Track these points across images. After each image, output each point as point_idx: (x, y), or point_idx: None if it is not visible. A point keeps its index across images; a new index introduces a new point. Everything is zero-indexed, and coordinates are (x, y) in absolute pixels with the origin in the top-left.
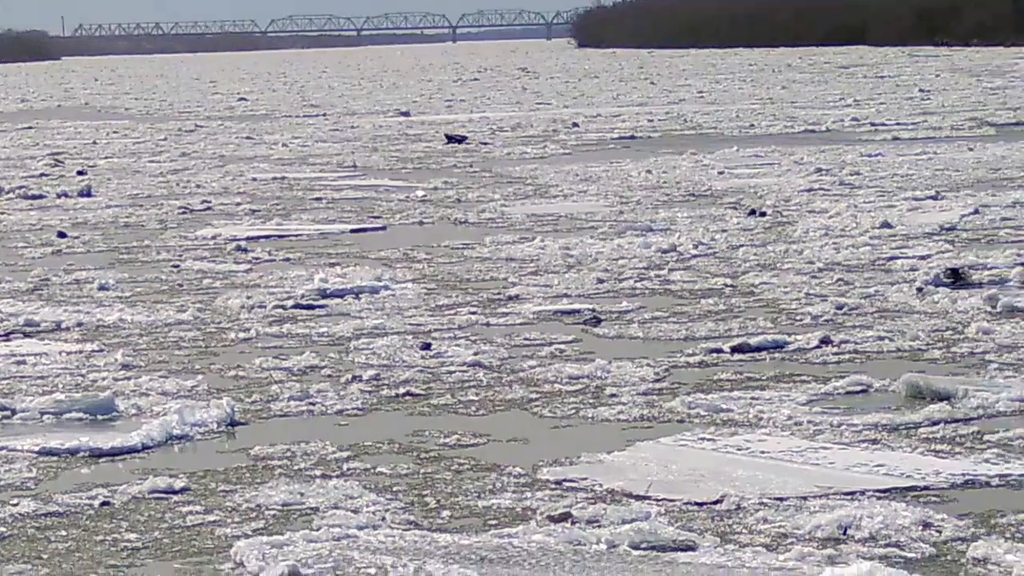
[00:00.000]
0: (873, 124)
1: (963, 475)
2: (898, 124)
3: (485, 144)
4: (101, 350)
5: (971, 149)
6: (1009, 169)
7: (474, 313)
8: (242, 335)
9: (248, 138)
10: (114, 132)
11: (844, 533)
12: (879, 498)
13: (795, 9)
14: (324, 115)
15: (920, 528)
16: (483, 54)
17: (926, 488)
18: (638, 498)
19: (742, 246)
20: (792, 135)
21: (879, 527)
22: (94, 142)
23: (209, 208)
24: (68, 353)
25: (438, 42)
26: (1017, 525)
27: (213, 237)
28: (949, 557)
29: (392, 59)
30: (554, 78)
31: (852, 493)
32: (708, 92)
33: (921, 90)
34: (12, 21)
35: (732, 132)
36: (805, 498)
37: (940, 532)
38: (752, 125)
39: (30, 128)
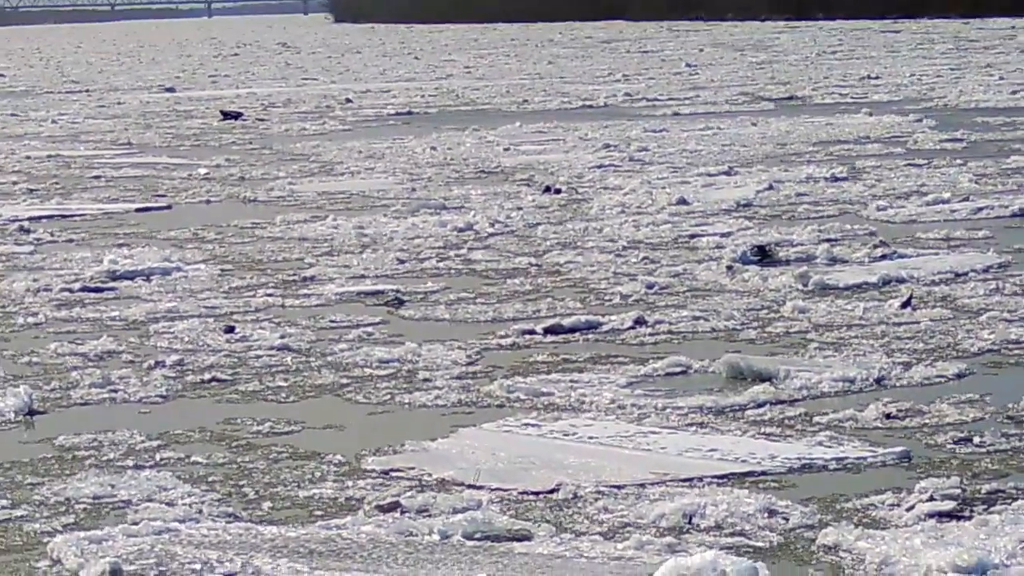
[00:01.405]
0: (647, 99)
1: (799, 459)
2: (671, 99)
3: (261, 120)
4: None
5: (754, 124)
6: (796, 144)
7: (272, 295)
8: (31, 319)
9: (13, 115)
10: None
11: (689, 522)
12: (719, 485)
13: None
14: (87, 91)
15: (766, 516)
16: (240, 29)
17: (764, 473)
18: (469, 487)
19: (540, 224)
20: (570, 111)
21: (724, 515)
22: None
23: None
24: None
25: (193, 17)
26: (863, 510)
27: None
28: (799, 545)
29: (148, 34)
30: (316, 53)
31: (690, 480)
32: (474, 67)
33: (688, 64)
34: None
35: (508, 108)
36: (643, 485)
37: (787, 520)
38: (526, 100)
39: None
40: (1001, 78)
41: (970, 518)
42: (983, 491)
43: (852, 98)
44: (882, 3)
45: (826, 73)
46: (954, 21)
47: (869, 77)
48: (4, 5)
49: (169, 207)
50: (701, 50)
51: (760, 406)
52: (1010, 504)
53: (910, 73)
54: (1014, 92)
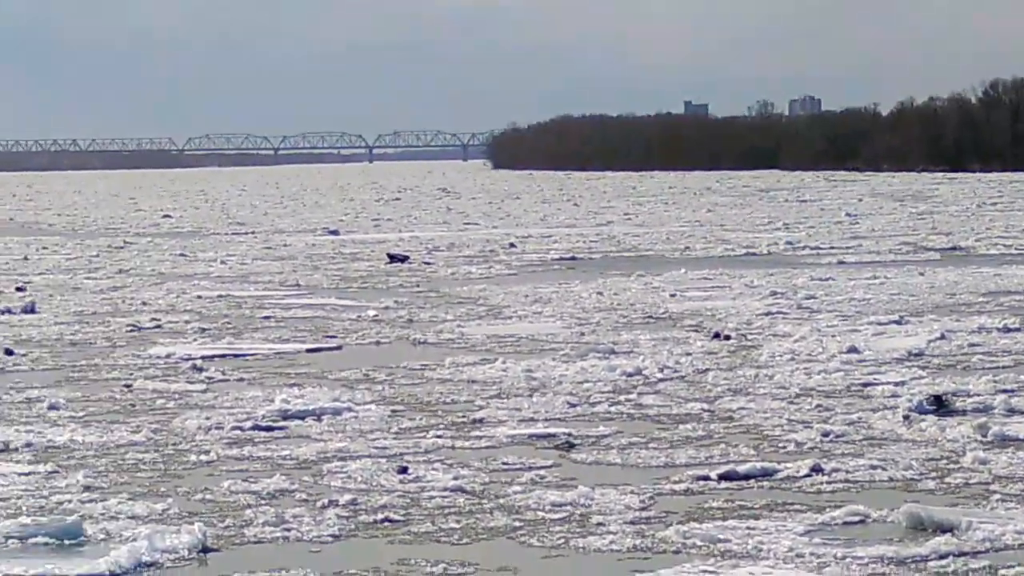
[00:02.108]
0: (809, 248)
1: None
2: (834, 248)
3: (427, 264)
4: (57, 471)
5: (921, 274)
6: (964, 294)
7: (442, 436)
8: (203, 457)
9: (182, 255)
10: (43, 248)
11: None
12: None
13: (707, 133)
14: (253, 233)
15: None
16: (401, 174)
17: None
18: None
19: (710, 370)
20: (733, 258)
21: None
22: (25, 258)
23: (158, 326)
24: (24, 474)
25: (355, 162)
26: None
27: (165, 356)
28: None
29: (311, 178)
30: (476, 198)
31: None
32: (634, 214)
33: (848, 214)
34: None
35: (670, 254)
36: None
37: None
38: (688, 248)
39: None
40: None
41: None
42: None
43: (1017, 249)
44: None
45: (988, 224)
46: None
47: None
48: (171, 149)
49: (339, 348)
50: (860, 199)
51: (942, 558)
52: None
53: None
54: None
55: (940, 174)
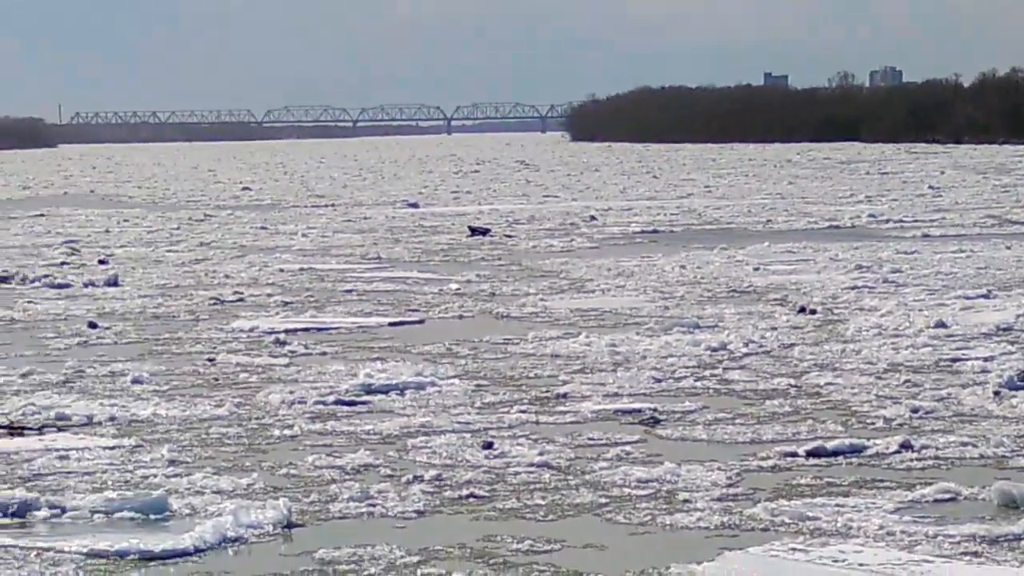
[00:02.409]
0: (893, 221)
1: None
2: (917, 221)
3: (508, 237)
4: (141, 445)
5: (1008, 247)
6: None
7: (526, 411)
8: (287, 432)
9: (263, 228)
10: (125, 220)
11: None
12: None
13: (787, 104)
14: (332, 206)
15: None
16: (479, 146)
17: None
18: None
19: (795, 345)
20: (816, 231)
21: None
22: (107, 230)
23: (241, 299)
24: (109, 448)
25: (433, 134)
26: None
27: (248, 330)
28: None
29: (389, 150)
30: (555, 171)
31: None
32: (714, 187)
33: (931, 187)
34: (9, 108)
35: (753, 227)
36: None
37: None
38: (769, 220)
39: (41, 216)
40: None
41: None
42: None
43: None
44: None
45: None
46: None
47: None
48: (250, 121)
49: (422, 322)
50: (942, 172)
51: None
52: None
53: None
54: None
55: (1022, 146)
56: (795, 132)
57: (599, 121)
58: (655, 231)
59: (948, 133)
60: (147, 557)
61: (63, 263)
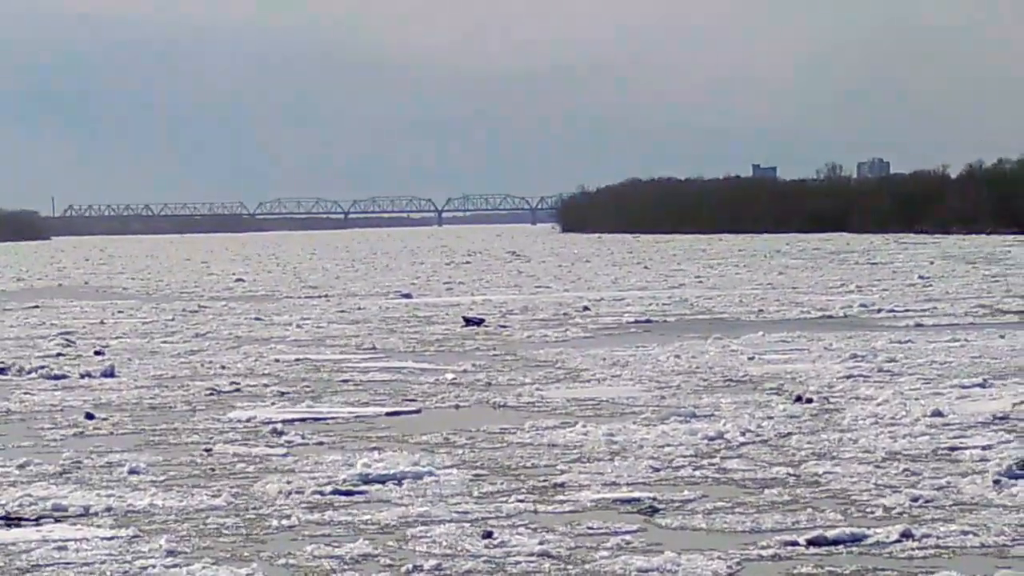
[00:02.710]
0: (885, 310)
1: None
2: (909, 311)
3: (503, 327)
4: (139, 536)
5: (1002, 337)
6: None
7: (524, 501)
8: (284, 522)
9: (257, 319)
10: (119, 312)
11: None
12: None
13: (775, 195)
14: (326, 296)
15: None
16: (470, 238)
17: None
18: None
19: (792, 434)
20: (809, 320)
21: None
22: (102, 322)
23: (237, 390)
24: (107, 539)
25: (423, 225)
26: None
27: (245, 420)
28: None
29: (380, 242)
30: (546, 262)
31: None
32: (705, 277)
33: (921, 277)
34: (3, 201)
35: (745, 317)
36: None
37: None
38: (762, 310)
39: (36, 307)
40: None
41: None
42: None
43: None
44: None
45: None
46: None
47: None
48: (242, 212)
49: (419, 411)
50: (931, 262)
51: None
52: None
53: None
54: None
55: (1010, 236)
56: (784, 223)
57: (589, 212)
58: (648, 321)
59: (936, 223)
60: None
61: (59, 354)
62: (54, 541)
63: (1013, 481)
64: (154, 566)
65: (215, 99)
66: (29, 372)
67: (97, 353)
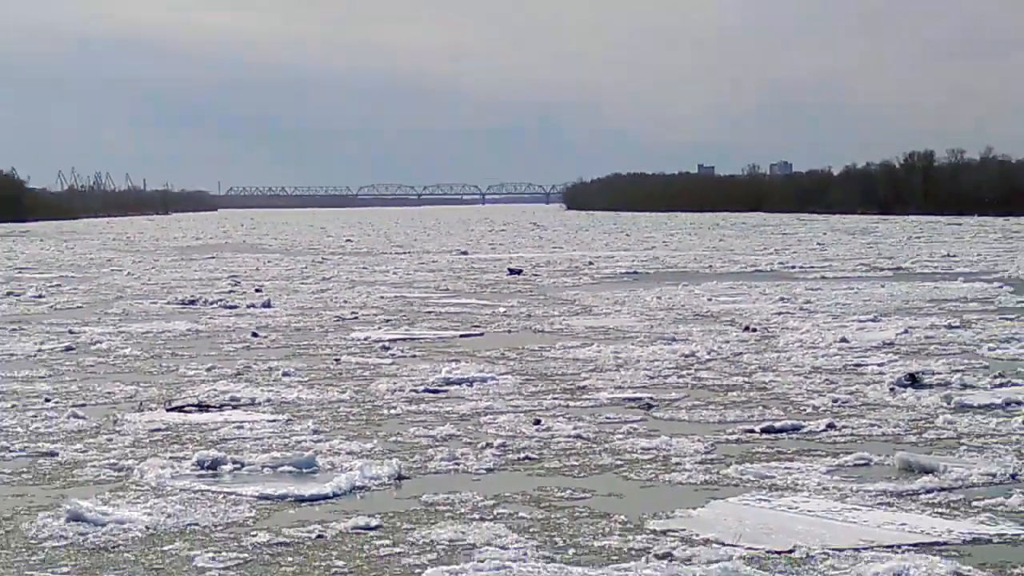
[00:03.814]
0: (797, 267)
1: (970, 534)
2: (813, 267)
3: (535, 276)
4: (292, 420)
5: (882, 286)
6: (916, 301)
7: (559, 399)
8: (392, 411)
9: (364, 268)
10: (268, 262)
11: None
12: (916, 552)
13: (713, 186)
14: (408, 253)
15: None
16: (504, 213)
17: (945, 544)
18: (724, 544)
19: (744, 353)
20: (745, 273)
21: (924, 575)
22: (257, 268)
23: (355, 317)
24: (270, 422)
25: (472, 204)
26: None
27: (362, 339)
28: None
29: (442, 215)
30: (557, 230)
31: (891, 547)
32: (669, 242)
33: (818, 243)
34: (185, 183)
35: (701, 271)
36: (857, 550)
37: None
38: (711, 266)
39: (212, 258)
40: None
41: None
42: None
43: (943, 269)
44: (943, 203)
45: (917, 251)
46: (999, 218)
47: (949, 255)
48: (347, 193)
49: (482, 334)
50: (824, 234)
51: (929, 492)
52: None
53: (976, 254)
54: None
55: (876, 216)
56: (719, 205)
57: (585, 196)
58: (635, 272)
59: (824, 206)
60: (300, 499)
61: (230, 291)
62: (233, 422)
63: (902, 389)
64: (304, 440)
65: (331, 116)
66: (211, 303)
67: (257, 290)
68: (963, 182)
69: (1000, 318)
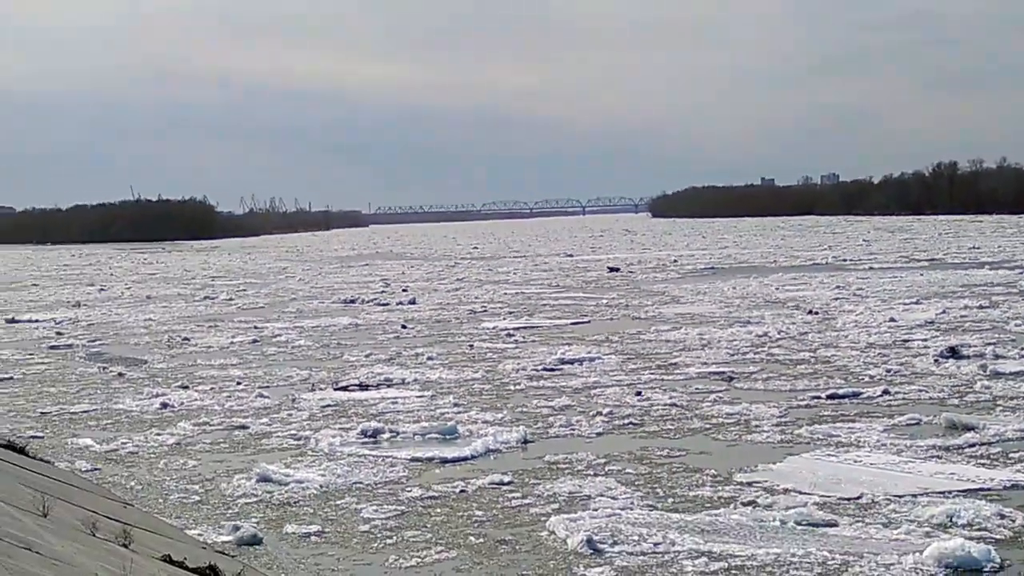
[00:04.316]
0: (848, 260)
1: (1009, 481)
2: (861, 259)
3: (630, 272)
4: (436, 396)
5: (921, 275)
6: (950, 286)
7: (654, 374)
8: (518, 387)
9: (488, 270)
10: (411, 266)
11: (951, 521)
12: (964, 497)
13: (774, 194)
14: (524, 256)
15: (999, 518)
16: (601, 221)
17: (989, 490)
18: (800, 493)
19: (808, 333)
20: (805, 266)
21: (972, 517)
22: (403, 272)
23: (485, 311)
24: (418, 397)
25: (574, 215)
26: None
27: (491, 328)
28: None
29: (550, 225)
30: (645, 235)
31: (943, 492)
32: (738, 243)
33: (864, 240)
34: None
35: (768, 264)
36: (915, 495)
37: (1014, 521)
38: (775, 261)
39: (366, 265)
40: None
41: None
42: None
43: (970, 260)
44: (966, 204)
45: (947, 245)
46: (1014, 216)
47: (974, 248)
48: (471, 208)
49: (589, 322)
50: (868, 232)
51: (972, 446)
52: None
53: (997, 246)
54: None
55: (910, 216)
56: (778, 210)
57: (668, 205)
58: (712, 268)
59: (866, 210)
60: (445, 460)
61: (382, 291)
62: (388, 398)
63: (944, 360)
64: (447, 412)
65: (458, 144)
66: (367, 302)
67: (403, 290)
68: (982, 186)
69: (1023, 299)
